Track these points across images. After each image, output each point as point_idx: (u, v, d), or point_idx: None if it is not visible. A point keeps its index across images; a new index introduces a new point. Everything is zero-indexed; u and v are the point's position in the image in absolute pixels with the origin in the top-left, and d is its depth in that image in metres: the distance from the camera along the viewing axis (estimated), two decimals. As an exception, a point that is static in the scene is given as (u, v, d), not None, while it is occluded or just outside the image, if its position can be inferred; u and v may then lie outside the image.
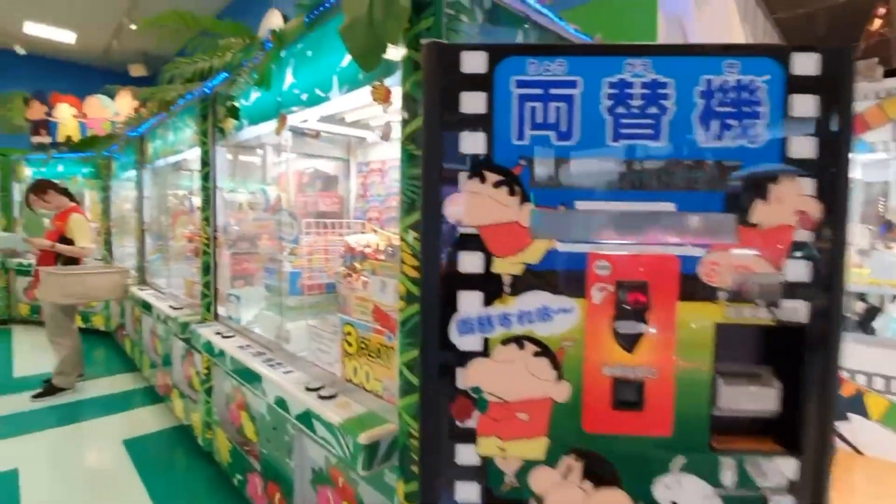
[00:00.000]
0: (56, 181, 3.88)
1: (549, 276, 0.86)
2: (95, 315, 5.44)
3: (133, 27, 5.98)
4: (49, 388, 3.59)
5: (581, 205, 0.85)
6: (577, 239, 0.85)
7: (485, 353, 0.88)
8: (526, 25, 1.65)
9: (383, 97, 1.41)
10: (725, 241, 0.84)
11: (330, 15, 1.65)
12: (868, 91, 2.92)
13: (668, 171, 0.85)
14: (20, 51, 7.35)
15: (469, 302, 0.87)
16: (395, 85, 1.38)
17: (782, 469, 0.87)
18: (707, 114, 0.84)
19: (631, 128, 0.85)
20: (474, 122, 0.85)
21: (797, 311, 0.84)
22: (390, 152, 2.98)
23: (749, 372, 0.89)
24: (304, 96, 1.85)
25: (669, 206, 0.85)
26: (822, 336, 0.84)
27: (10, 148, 6.49)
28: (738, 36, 1.44)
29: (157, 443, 2.97)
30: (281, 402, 1.65)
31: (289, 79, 1.94)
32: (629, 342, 0.86)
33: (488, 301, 0.87)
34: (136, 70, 7.22)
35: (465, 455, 0.91)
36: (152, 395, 3.66)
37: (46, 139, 6.43)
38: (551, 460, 0.89)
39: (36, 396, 3.53)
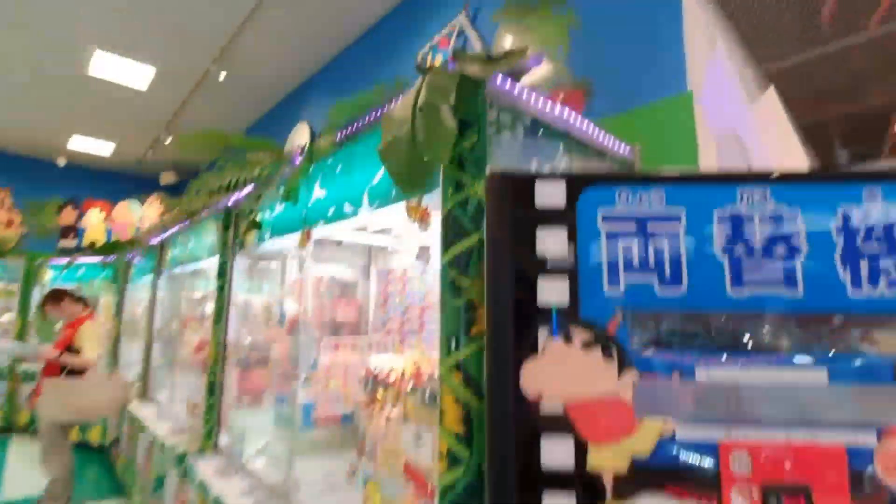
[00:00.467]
0: (72, 289, 3.83)
1: (667, 474, 0.62)
2: (92, 429, 5.09)
3: (168, 142, 6.33)
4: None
5: (703, 373, 0.64)
6: (702, 420, 0.63)
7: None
8: (567, 139, 1.57)
9: (420, 217, 1.28)
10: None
11: (363, 131, 1.59)
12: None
13: (812, 328, 0.64)
14: (61, 162, 7.81)
15: (555, 509, 0.63)
16: (432, 203, 1.27)
17: None
18: (850, 254, 0.66)
19: (755, 272, 0.66)
20: (554, 266, 0.67)
21: None
22: (411, 262, 2.87)
23: None
24: (332, 210, 1.75)
25: (819, 376, 0.63)
26: None
27: (37, 252, 6.61)
28: (796, 147, 1.32)
29: None
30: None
31: (316, 192, 1.86)
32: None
33: (582, 508, 0.63)
34: (167, 178, 7.55)
35: None
36: (139, 531, 3.22)
37: (72, 243, 6.56)
38: None
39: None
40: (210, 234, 2.89)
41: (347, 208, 1.66)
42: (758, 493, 0.61)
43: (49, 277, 6.40)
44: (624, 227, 0.68)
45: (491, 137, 1.22)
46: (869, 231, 0.66)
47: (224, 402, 2.45)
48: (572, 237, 0.68)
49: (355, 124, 1.59)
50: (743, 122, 1.43)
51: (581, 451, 0.64)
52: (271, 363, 2.70)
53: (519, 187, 0.70)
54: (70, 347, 3.43)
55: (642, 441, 0.64)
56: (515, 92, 1.35)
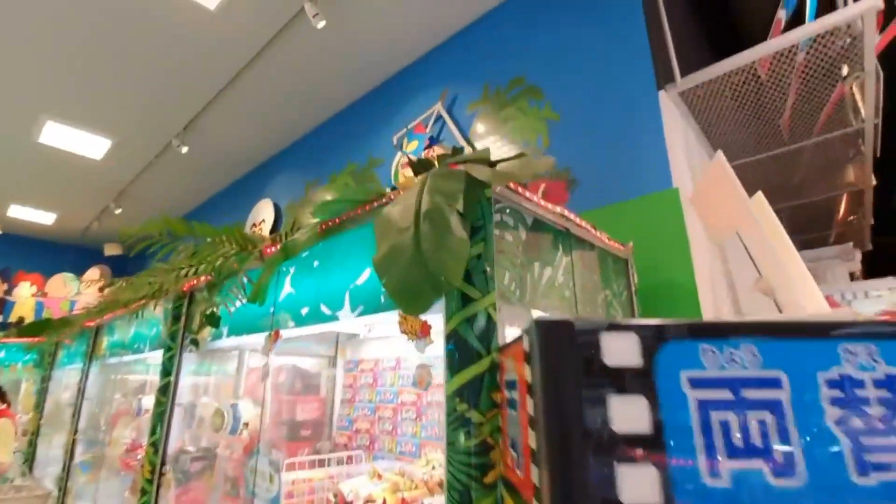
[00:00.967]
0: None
1: None
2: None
3: (117, 212, 5.97)
4: None
5: None
6: None
7: None
8: (566, 237, 1.48)
9: (417, 331, 1.11)
10: None
11: (346, 224, 1.44)
12: None
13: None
14: (-2, 232, 7.21)
15: None
16: (433, 317, 1.11)
17: None
18: None
19: (881, 452, 0.53)
20: (635, 450, 0.52)
21: None
22: (385, 350, 2.64)
23: None
24: (305, 310, 1.55)
25: None
26: None
27: (-50, 331, 5.84)
28: (794, 257, 1.29)
29: None
30: None
31: (286, 288, 1.66)
32: None
33: None
34: (112, 249, 7.07)
35: None
36: None
37: (-4, 320, 5.87)
38: None
39: None
40: (156, 324, 2.58)
41: (325, 310, 1.47)
42: None
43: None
44: (717, 395, 0.54)
45: (497, 243, 1.10)
46: None
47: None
48: (654, 408, 0.53)
49: (338, 214, 1.44)
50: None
51: None
52: (215, 473, 2.32)
53: (580, 342, 0.56)
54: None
55: None
56: (518, 191, 1.27)
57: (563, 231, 1.46)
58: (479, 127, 2.82)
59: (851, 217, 4.02)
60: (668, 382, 0.54)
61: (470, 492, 0.89)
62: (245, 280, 1.73)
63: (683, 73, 2.06)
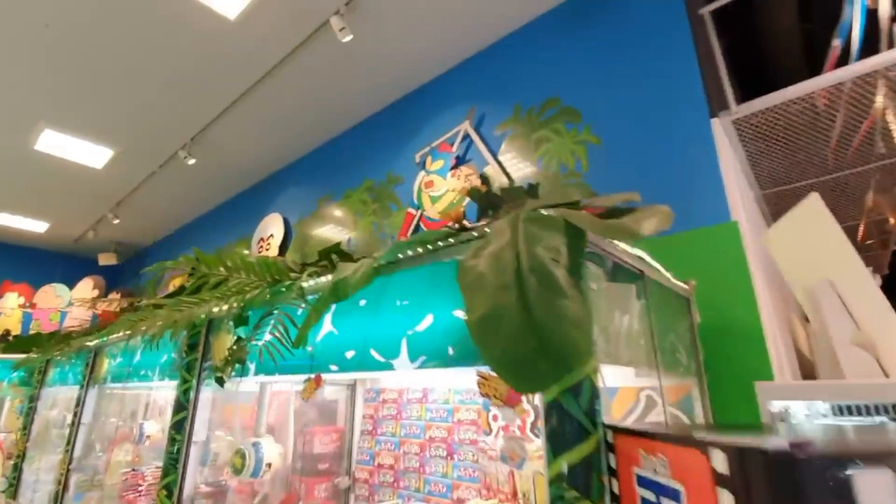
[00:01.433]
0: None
1: None
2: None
3: (115, 221, 5.77)
4: None
5: None
6: None
7: None
8: (641, 280, 1.37)
9: (503, 397, 0.98)
10: None
11: (403, 264, 1.32)
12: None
13: None
14: (-18, 238, 6.95)
15: None
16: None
17: None
18: None
19: None
20: None
21: None
22: (409, 380, 2.49)
23: None
24: (350, 354, 1.42)
25: None
26: None
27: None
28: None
29: None
30: None
31: (326, 326, 1.53)
32: None
33: None
34: (106, 259, 6.84)
35: None
36: None
37: (-20, 332, 5.62)
38: None
39: None
40: (167, 349, 2.42)
41: (376, 356, 1.34)
42: None
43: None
44: None
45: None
46: None
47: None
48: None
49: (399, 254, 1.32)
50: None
51: None
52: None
53: (832, 485, 0.44)
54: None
55: None
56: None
57: (638, 273, 1.35)
58: (510, 148, 2.72)
59: (870, 241, 3.99)
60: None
61: None
62: (281, 315, 1.59)
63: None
